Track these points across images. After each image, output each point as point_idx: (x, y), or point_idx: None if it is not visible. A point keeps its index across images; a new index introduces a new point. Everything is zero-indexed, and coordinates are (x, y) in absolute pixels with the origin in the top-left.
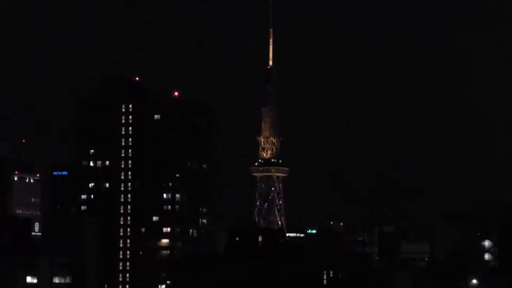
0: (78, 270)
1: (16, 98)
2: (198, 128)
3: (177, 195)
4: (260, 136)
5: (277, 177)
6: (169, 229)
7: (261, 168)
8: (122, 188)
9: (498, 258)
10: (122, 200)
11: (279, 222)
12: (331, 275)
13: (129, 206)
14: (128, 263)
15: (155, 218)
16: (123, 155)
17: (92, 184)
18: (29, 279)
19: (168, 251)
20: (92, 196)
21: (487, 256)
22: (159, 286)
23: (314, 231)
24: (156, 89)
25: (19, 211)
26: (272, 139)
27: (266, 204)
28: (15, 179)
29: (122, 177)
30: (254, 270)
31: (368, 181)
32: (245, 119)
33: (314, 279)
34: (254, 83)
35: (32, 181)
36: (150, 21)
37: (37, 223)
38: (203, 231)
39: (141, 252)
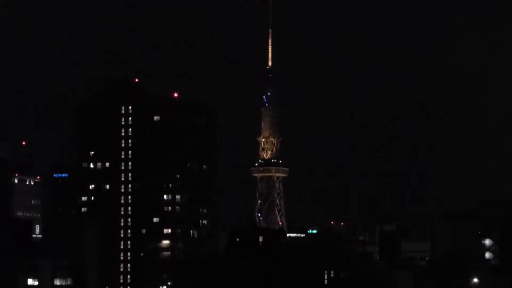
0: (79, 272)
1: (16, 100)
2: (198, 129)
3: (178, 196)
4: (260, 136)
5: (277, 177)
6: (169, 230)
7: (261, 169)
8: (123, 190)
9: (499, 256)
10: (122, 201)
11: (280, 222)
12: (332, 275)
13: (129, 208)
14: (129, 265)
15: (155, 219)
16: (123, 156)
17: (93, 185)
18: (30, 281)
19: (169, 252)
20: (92, 197)
21: (488, 255)
22: (160, 287)
23: (314, 231)
24: (155, 90)
25: (19, 213)
26: (272, 139)
27: (266, 203)
28: (16, 181)
29: (122, 179)
30: (255, 271)
31: (368, 181)
32: (245, 119)
33: (315, 279)
34: (254, 83)
35: (32, 183)
36: (149, 22)
37: (37, 225)
38: (203, 232)
39: (141, 254)
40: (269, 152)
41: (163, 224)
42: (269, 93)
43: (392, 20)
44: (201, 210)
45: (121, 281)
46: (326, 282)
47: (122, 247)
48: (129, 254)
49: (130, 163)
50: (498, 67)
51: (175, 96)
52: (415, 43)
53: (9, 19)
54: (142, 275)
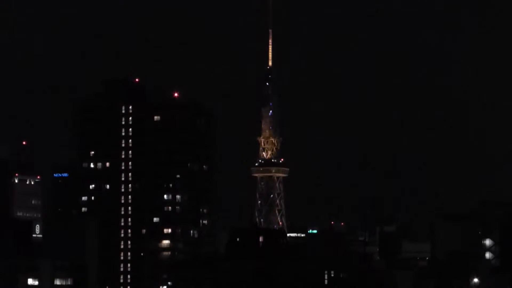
0: (79, 272)
1: (16, 100)
2: (198, 129)
3: (178, 196)
4: (260, 136)
5: (278, 177)
6: (169, 230)
7: (261, 169)
8: (123, 190)
9: (499, 257)
10: (122, 201)
11: (280, 223)
12: (332, 275)
13: (129, 207)
14: (129, 264)
15: (155, 219)
16: (123, 156)
17: (93, 185)
18: (30, 281)
19: (169, 252)
20: (92, 197)
21: (488, 255)
22: (160, 287)
23: (315, 231)
24: (156, 90)
25: (20, 213)
26: (272, 139)
27: (266, 204)
28: (16, 181)
29: (123, 179)
30: (255, 271)
31: (368, 181)
32: (245, 120)
33: (315, 279)
34: (254, 83)
35: (32, 183)
36: (149, 22)
37: (38, 225)
38: (203, 232)
39: (142, 253)
40: (269, 152)
41: (163, 224)
42: (270, 91)
43: (392, 20)
44: (201, 210)
45: (121, 281)
46: (326, 282)
47: (122, 247)
48: (129, 254)
49: (130, 163)
50: (498, 67)
51: (175, 96)
52: (415, 43)
53: (10, 19)
54: (142, 275)
